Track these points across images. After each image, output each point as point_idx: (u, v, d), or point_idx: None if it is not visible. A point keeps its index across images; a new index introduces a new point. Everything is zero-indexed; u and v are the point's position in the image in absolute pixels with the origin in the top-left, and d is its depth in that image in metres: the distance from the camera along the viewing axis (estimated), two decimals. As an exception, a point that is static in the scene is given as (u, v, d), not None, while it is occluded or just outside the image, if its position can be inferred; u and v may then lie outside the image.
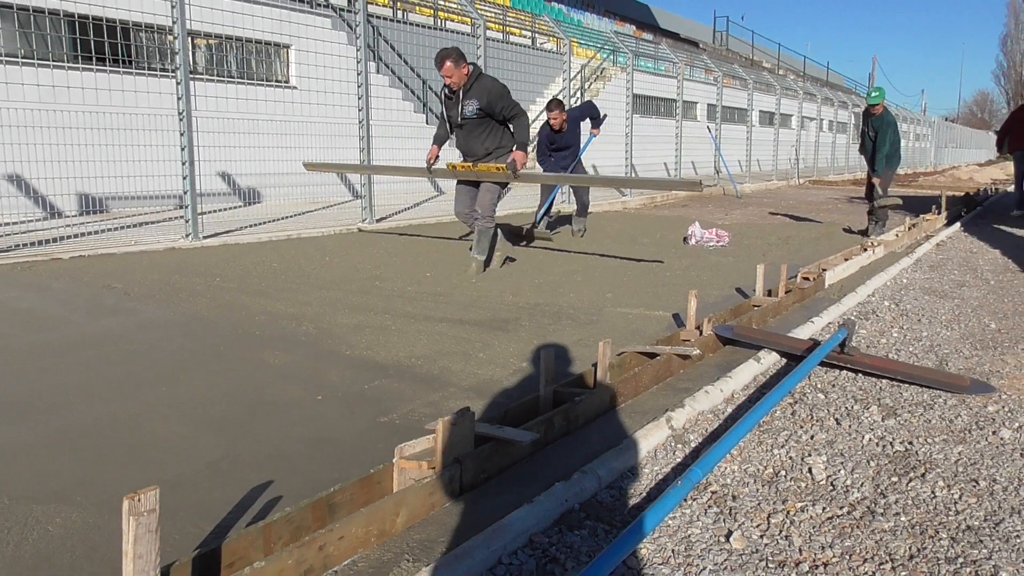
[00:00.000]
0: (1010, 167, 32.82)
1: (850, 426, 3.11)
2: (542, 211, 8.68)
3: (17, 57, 8.28)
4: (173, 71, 7.33)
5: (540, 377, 3.11)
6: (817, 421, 3.17)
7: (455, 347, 4.18)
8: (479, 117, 6.25)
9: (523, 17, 19.24)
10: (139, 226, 8.47)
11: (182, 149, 7.22)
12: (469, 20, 17.38)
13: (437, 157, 6.65)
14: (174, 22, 6.99)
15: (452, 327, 4.62)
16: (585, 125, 9.12)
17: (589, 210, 9.31)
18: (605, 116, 9.21)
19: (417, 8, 16.65)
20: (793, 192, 19.18)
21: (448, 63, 6.04)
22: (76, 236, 7.47)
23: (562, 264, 7.06)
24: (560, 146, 8.77)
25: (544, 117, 8.76)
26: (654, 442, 2.89)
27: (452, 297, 5.50)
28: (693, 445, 2.92)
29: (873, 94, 9.30)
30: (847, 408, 3.32)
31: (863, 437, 2.99)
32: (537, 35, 19.64)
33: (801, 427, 3.11)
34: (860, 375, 3.79)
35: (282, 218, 9.52)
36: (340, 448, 2.83)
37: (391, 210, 10.20)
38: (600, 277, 6.42)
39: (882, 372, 3.74)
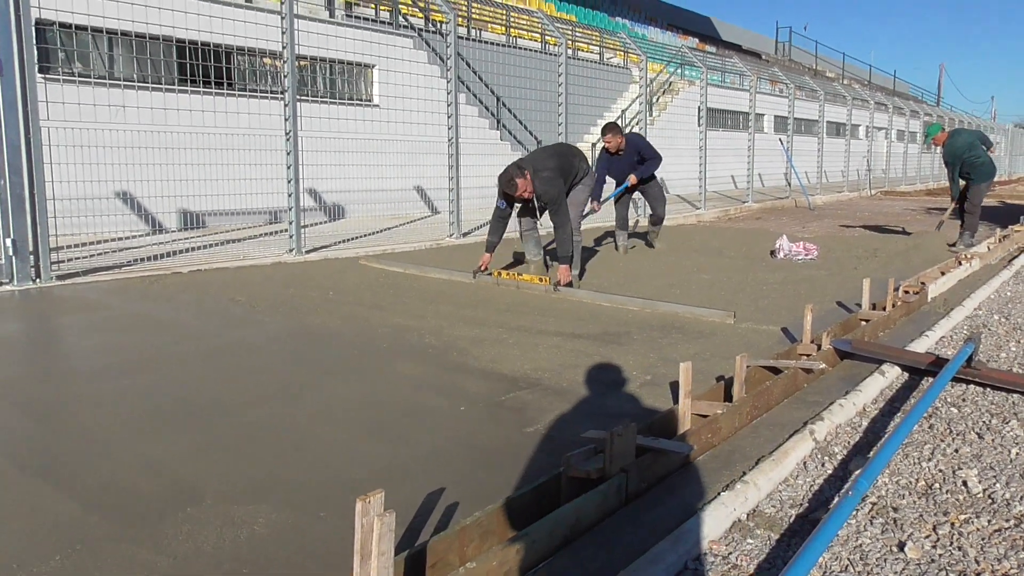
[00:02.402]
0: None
1: (993, 440, 3.13)
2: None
3: (133, 81, 8.76)
4: (275, 92, 7.67)
5: (679, 390, 3.22)
6: (958, 435, 3.21)
7: (575, 360, 4.31)
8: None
9: (591, 33, 19.40)
10: (239, 241, 8.83)
11: (288, 167, 7.53)
12: (539, 37, 17.64)
13: (487, 265, 6.62)
14: (284, 47, 7.32)
15: (567, 340, 4.75)
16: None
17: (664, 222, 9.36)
18: (653, 170, 8.75)
19: (489, 26, 16.93)
20: (866, 203, 18.87)
21: (511, 187, 6.21)
22: (187, 251, 7.84)
23: (657, 278, 7.14)
24: (617, 175, 8.63)
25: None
26: (801, 454, 2.97)
27: (558, 310, 5.64)
28: (840, 458, 2.99)
29: (928, 134, 9.52)
30: (985, 422, 3.34)
31: (1010, 451, 3.02)
32: (605, 50, 19.77)
33: (943, 440, 3.15)
34: (988, 390, 3.80)
35: (371, 233, 9.81)
36: (497, 456, 2.98)
37: (474, 224, 10.42)
38: (697, 291, 6.49)
39: (1013, 387, 3.74)
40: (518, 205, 6.63)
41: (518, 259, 7.78)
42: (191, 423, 3.27)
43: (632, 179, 8.56)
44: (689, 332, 4.99)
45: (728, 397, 3.49)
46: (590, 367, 4.17)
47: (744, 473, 2.72)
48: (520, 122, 16.10)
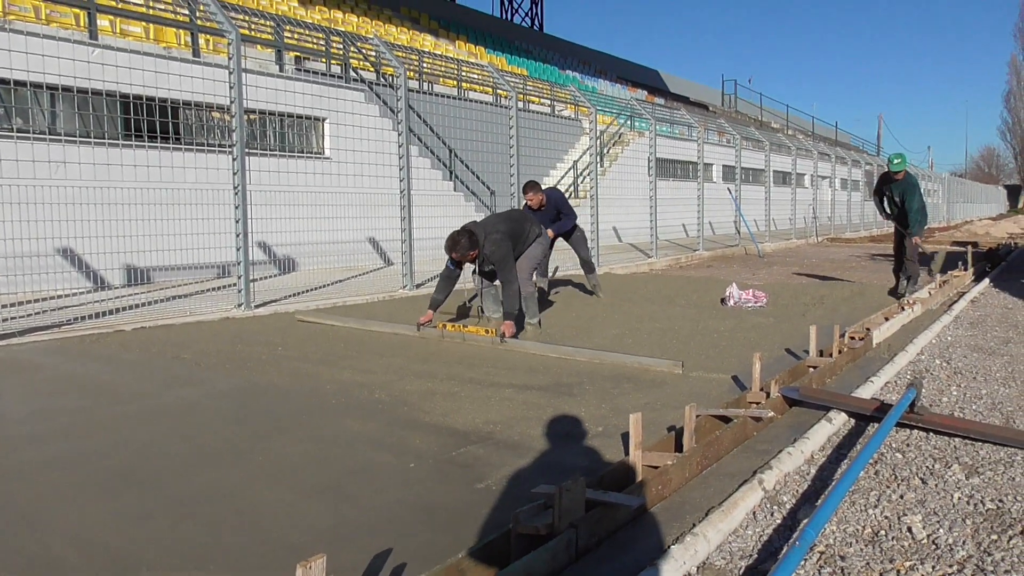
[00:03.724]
0: (1023, 220, 33.02)
1: (937, 485, 3.17)
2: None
3: (75, 136, 8.62)
4: (224, 146, 7.62)
5: (629, 441, 3.21)
6: (902, 481, 3.24)
7: (527, 412, 4.28)
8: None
9: (542, 86, 19.78)
10: (186, 296, 8.66)
11: (236, 221, 7.46)
12: (491, 90, 17.92)
13: (430, 321, 6.65)
14: (232, 101, 7.31)
15: (519, 392, 4.73)
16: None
17: (598, 272, 9.53)
18: (574, 224, 9.08)
19: (441, 80, 17.16)
20: (813, 250, 19.34)
21: (460, 249, 6.32)
22: (131, 308, 7.66)
23: (609, 327, 7.18)
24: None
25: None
26: (751, 504, 2.97)
27: (510, 362, 5.62)
28: (788, 507, 2.99)
29: (895, 160, 9.56)
30: (928, 467, 3.39)
31: (952, 496, 3.05)
32: (555, 103, 20.15)
33: (888, 487, 3.18)
34: (931, 434, 3.86)
35: (323, 286, 9.71)
36: (446, 514, 2.92)
37: (428, 276, 10.39)
38: (649, 339, 6.53)
39: (954, 431, 3.81)
40: (471, 266, 6.73)
41: (462, 313, 7.78)
42: (126, 490, 3.15)
43: (550, 233, 8.83)
44: (641, 382, 5.00)
45: (679, 447, 3.49)
46: (542, 419, 4.14)
47: (694, 525, 2.71)
48: (474, 173, 16.24)
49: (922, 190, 9.51)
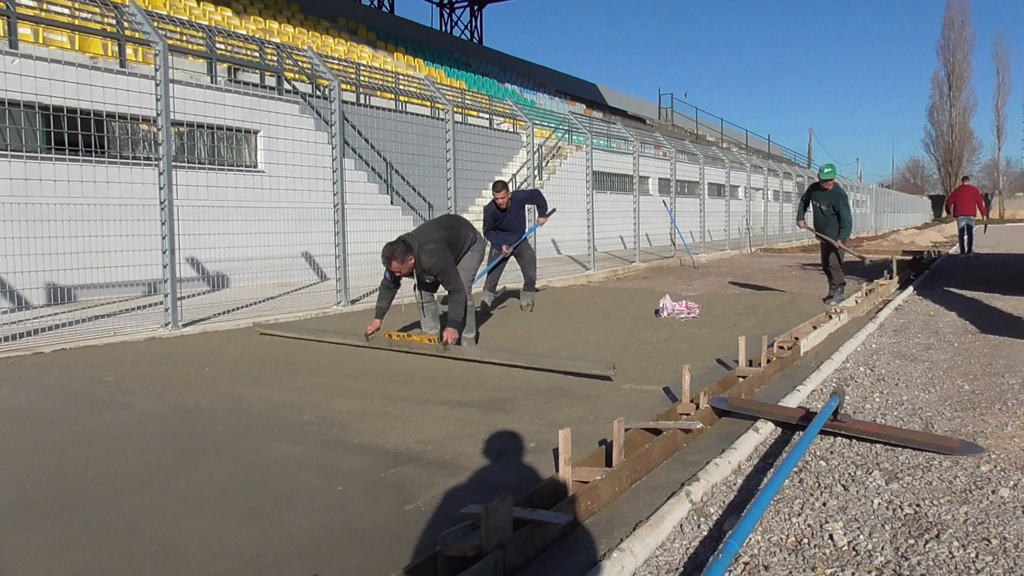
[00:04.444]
0: (947, 229, 34.54)
1: (858, 491, 3.25)
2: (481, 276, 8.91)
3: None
4: (150, 160, 7.43)
5: (559, 457, 3.21)
6: (825, 488, 3.31)
7: (461, 430, 4.25)
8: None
9: (480, 99, 19.83)
10: (111, 316, 8.38)
11: (163, 237, 7.25)
12: (429, 103, 17.88)
13: (377, 330, 6.63)
14: (158, 113, 7.12)
15: (453, 409, 4.69)
16: (532, 209, 9.79)
17: (537, 285, 9.69)
18: (553, 210, 9.63)
19: (379, 93, 17.06)
20: (747, 261, 19.78)
21: (395, 263, 6.26)
22: (52, 328, 7.38)
23: (545, 339, 7.20)
24: (504, 227, 9.18)
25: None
26: (678, 516, 2.99)
27: (446, 378, 5.58)
28: (715, 518, 3.03)
29: (826, 170, 9.84)
30: (851, 474, 3.48)
31: (872, 502, 3.13)
32: (494, 116, 20.22)
33: (811, 495, 3.25)
34: (854, 441, 3.96)
35: (256, 303, 9.52)
36: (374, 537, 2.87)
37: (365, 291, 10.27)
38: (584, 352, 6.57)
39: (876, 437, 3.92)
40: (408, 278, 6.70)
41: (406, 329, 7.72)
42: (43, 520, 3.01)
43: (505, 249, 9.08)
44: (575, 395, 5.02)
45: (610, 461, 3.50)
46: (476, 437, 4.12)
47: (622, 540, 2.72)
48: (411, 187, 16.16)
49: (851, 201, 9.82)
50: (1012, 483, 3.29)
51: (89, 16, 11.37)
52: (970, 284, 11.85)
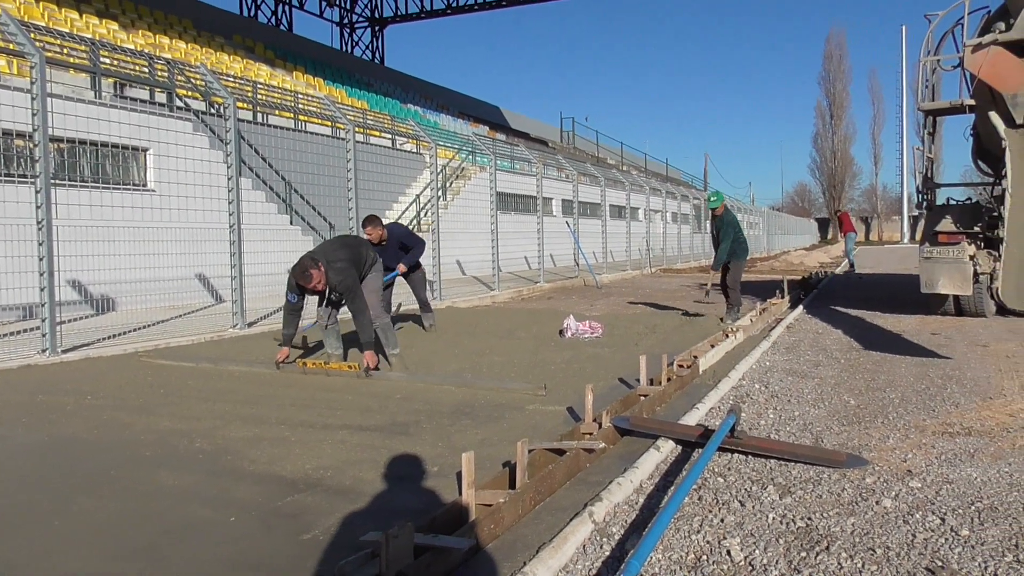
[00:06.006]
0: (832, 250, 36.36)
1: (754, 507, 3.33)
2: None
3: None
4: (27, 177, 6.98)
5: (461, 481, 3.15)
6: (723, 504, 3.38)
7: (361, 455, 4.14)
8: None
9: (382, 119, 19.68)
10: (-17, 342, 7.82)
11: (40, 259, 6.82)
12: (330, 123, 17.62)
13: (287, 357, 6.53)
14: (35, 129, 6.71)
15: (353, 434, 4.57)
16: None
17: (442, 305, 9.58)
18: (419, 265, 9.11)
19: (277, 111, 16.69)
20: (648, 281, 20.26)
21: (315, 275, 6.16)
22: (-87, 357, 6.81)
23: (450, 361, 7.13)
24: (385, 261, 8.45)
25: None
26: (581, 537, 2.98)
27: (348, 402, 5.44)
28: (617, 538, 3.03)
29: (712, 199, 10.23)
30: (747, 490, 3.56)
31: (767, 516, 3.21)
32: (397, 136, 20.09)
33: (710, 511, 3.30)
34: (751, 457, 4.06)
35: (145, 326, 9.06)
36: (269, 570, 2.74)
37: (262, 313, 9.95)
38: (489, 373, 6.54)
39: (770, 453, 4.04)
40: (312, 298, 6.55)
41: (309, 352, 7.53)
42: None
43: (401, 267, 8.76)
44: (479, 417, 4.98)
45: (513, 483, 3.47)
46: (376, 462, 4.01)
47: (524, 563, 2.68)
48: (312, 207, 15.82)
49: (744, 224, 10.17)
50: (894, 493, 3.44)
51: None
52: (854, 303, 12.47)
